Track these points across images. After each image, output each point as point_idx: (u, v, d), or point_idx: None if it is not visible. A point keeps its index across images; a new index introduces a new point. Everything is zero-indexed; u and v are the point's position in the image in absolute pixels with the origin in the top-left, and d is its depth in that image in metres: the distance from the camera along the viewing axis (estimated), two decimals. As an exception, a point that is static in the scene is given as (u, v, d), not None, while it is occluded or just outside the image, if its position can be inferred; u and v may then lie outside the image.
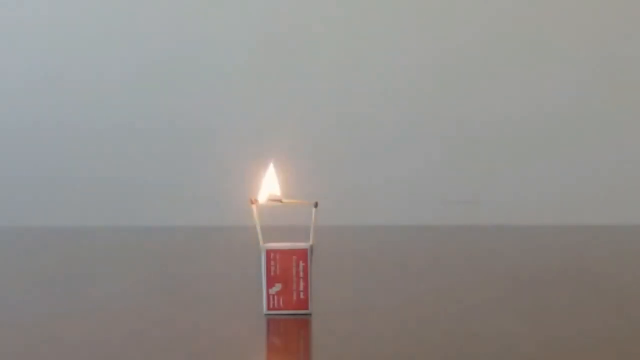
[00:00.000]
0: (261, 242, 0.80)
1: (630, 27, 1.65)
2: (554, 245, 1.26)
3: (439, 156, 1.66)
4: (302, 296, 0.79)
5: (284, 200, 0.81)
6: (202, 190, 1.68)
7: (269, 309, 0.80)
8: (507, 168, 1.65)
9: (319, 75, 1.67)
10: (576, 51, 1.65)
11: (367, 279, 0.98)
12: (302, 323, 0.77)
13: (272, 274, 0.80)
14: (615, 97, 1.65)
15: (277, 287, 0.80)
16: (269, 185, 0.81)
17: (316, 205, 0.80)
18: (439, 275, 1.00)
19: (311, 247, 0.80)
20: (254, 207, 0.80)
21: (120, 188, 1.69)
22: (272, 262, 0.80)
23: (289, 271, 0.80)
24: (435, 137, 1.66)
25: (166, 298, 0.88)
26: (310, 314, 0.79)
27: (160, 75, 1.69)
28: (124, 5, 1.70)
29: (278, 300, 0.80)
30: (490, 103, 1.66)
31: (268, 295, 0.80)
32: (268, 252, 0.80)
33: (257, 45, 1.67)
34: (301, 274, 0.80)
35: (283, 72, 1.67)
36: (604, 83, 1.65)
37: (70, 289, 0.94)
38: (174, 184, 1.68)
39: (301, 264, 0.80)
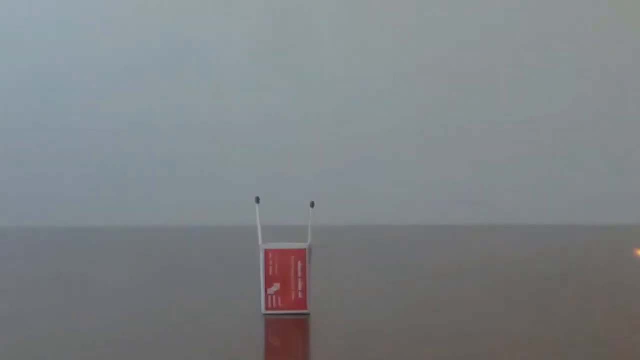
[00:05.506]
0: (260, 242, 0.79)
1: (631, 31, 1.64)
2: (555, 245, 1.25)
3: (439, 156, 1.66)
4: (300, 296, 0.79)
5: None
6: (202, 190, 1.68)
7: (267, 309, 0.79)
8: (507, 169, 1.65)
9: (320, 75, 1.67)
10: (577, 54, 1.65)
11: (366, 279, 0.98)
12: (301, 323, 0.77)
13: (270, 273, 0.79)
14: (616, 99, 1.65)
15: (276, 287, 0.79)
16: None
17: (312, 205, 0.80)
18: (439, 275, 1.00)
19: (309, 247, 0.80)
20: (257, 206, 0.80)
21: (120, 188, 1.69)
22: (271, 262, 0.79)
23: (288, 271, 0.79)
24: (436, 137, 1.66)
25: (165, 298, 0.88)
26: (308, 314, 0.79)
27: (161, 76, 1.69)
28: (122, 5, 1.69)
29: (276, 300, 0.79)
30: (490, 104, 1.66)
31: (267, 295, 0.79)
32: (266, 252, 0.79)
33: (258, 45, 1.67)
34: (300, 274, 0.79)
35: (284, 73, 1.67)
36: (604, 85, 1.64)
37: (70, 289, 0.94)
38: (174, 184, 1.68)
39: (299, 263, 0.79)
